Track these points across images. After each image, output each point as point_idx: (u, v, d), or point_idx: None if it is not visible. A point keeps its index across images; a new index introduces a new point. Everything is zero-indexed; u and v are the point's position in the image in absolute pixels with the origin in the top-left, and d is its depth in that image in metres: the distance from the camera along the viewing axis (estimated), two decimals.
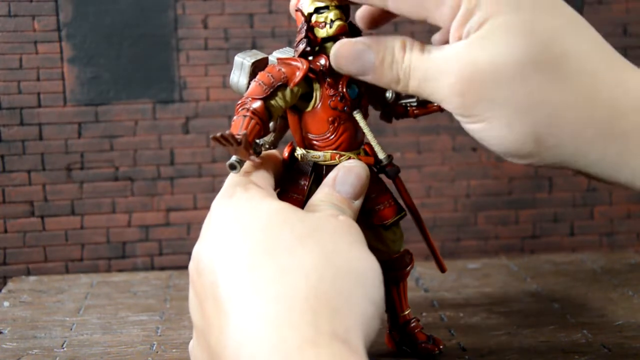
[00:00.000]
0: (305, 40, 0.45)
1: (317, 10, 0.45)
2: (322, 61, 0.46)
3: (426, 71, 0.41)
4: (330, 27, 0.45)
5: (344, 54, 0.44)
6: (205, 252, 0.38)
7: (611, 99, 0.38)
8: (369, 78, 0.44)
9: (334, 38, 0.45)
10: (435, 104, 0.49)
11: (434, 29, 0.44)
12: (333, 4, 0.45)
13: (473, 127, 0.40)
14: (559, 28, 0.39)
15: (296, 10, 0.46)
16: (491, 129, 0.39)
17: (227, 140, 0.40)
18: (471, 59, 0.38)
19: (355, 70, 0.44)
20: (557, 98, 0.38)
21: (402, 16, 0.42)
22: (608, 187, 0.80)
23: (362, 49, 0.43)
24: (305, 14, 0.45)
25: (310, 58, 0.46)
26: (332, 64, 0.45)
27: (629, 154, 0.38)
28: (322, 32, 0.45)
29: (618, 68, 0.39)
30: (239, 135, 0.40)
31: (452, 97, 0.39)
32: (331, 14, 0.45)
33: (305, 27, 0.45)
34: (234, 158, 0.42)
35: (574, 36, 0.39)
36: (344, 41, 0.44)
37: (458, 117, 0.41)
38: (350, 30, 0.46)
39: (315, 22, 0.45)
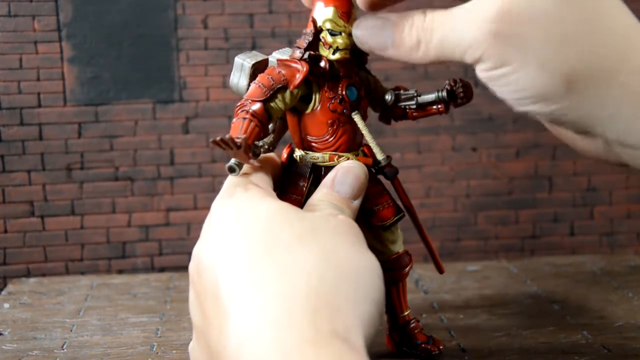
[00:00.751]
0: (302, 51, 0.45)
1: (330, 32, 0.45)
2: (322, 64, 0.46)
3: (453, 22, 0.39)
4: (334, 53, 0.45)
5: (364, 29, 0.43)
6: (206, 252, 0.38)
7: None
8: (389, 52, 0.43)
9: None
10: (435, 107, 0.49)
11: None
12: (347, 29, 0.45)
13: (500, 73, 0.39)
14: None
15: (312, 19, 0.46)
16: (522, 71, 0.38)
17: (226, 144, 0.40)
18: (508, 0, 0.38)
19: (376, 45, 0.43)
20: (591, 44, 0.37)
21: None
22: (608, 187, 0.80)
23: (381, 22, 0.43)
24: (318, 26, 0.45)
25: (307, 58, 0.46)
26: (355, 40, 0.45)
27: None
28: (325, 51, 0.46)
29: None
30: (238, 139, 0.40)
31: (484, 39, 0.38)
32: (340, 40, 0.45)
33: (310, 40, 0.45)
34: (233, 161, 0.42)
35: None
36: (365, 17, 0.44)
37: (482, 66, 0.39)
38: (352, 55, 0.46)
39: (324, 39, 0.45)
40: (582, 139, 0.43)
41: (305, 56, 0.45)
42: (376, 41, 0.43)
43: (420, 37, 0.41)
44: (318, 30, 0.45)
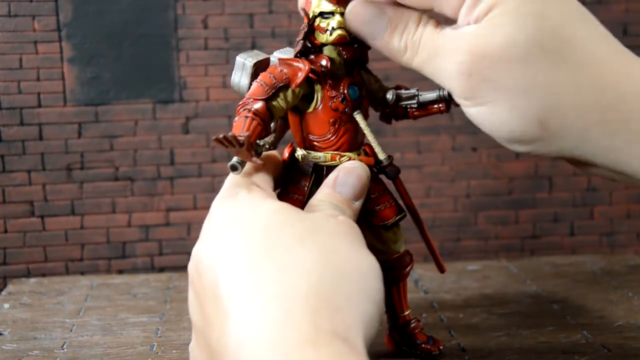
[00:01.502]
0: (302, 42, 0.45)
1: (322, 15, 0.45)
2: (324, 62, 0.46)
3: (435, 48, 0.41)
4: (331, 34, 0.45)
5: (358, 13, 0.44)
6: (206, 252, 0.38)
7: (617, 84, 0.38)
8: (376, 43, 0.43)
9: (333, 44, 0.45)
10: (436, 106, 0.49)
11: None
12: (339, 10, 0.45)
13: (476, 111, 0.40)
14: (567, 14, 0.39)
15: (301, 10, 0.46)
16: (495, 112, 0.39)
17: (229, 142, 0.40)
18: (481, 39, 0.39)
19: (366, 32, 0.44)
20: (563, 82, 0.38)
21: (410, 6, 0.42)
22: (608, 187, 0.80)
23: (377, 12, 0.43)
24: (310, 15, 0.45)
25: (312, 57, 0.46)
26: (345, 22, 0.45)
27: (636, 141, 0.38)
28: (322, 37, 0.45)
29: (623, 56, 0.40)
30: (241, 136, 0.40)
31: (459, 76, 0.39)
32: (334, 22, 0.45)
33: (306, 30, 0.46)
34: (235, 159, 0.42)
35: (582, 23, 0.40)
36: (355, 5, 0.44)
37: (460, 100, 0.40)
38: (352, 38, 0.46)
39: (318, 26, 0.45)
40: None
41: (299, 49, 0.46)
42: (368, 29, 0.43)
43: (408, 45, 0.42)
44: (311, 19, 0.45)
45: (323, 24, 0.45)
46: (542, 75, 0.38)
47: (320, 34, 0.46)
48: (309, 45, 0.46)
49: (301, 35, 0.46)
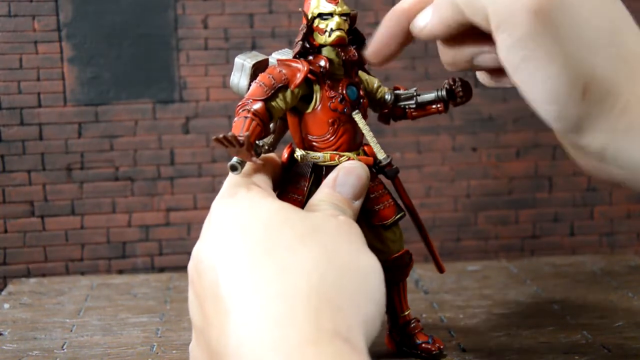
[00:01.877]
0: (300, 43, 0.46)
1: (321, 16, 0.45)
2: (322, 63, 0.46)
3: None
4: (329, 35, 0.45)
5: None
6: (206, 252, 0.38)
7: None
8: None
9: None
10: (434, 106, 0.49)
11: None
12: (337, 11, 0.45)
13: (521, 54, 0.37)
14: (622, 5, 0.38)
15: (301, 11, 0.47)
16: (543, 62, 0.36)
17: (229, 142, 0.40)
18: None
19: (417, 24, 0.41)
20: (616, 50, 0.37)
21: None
22: (608, 187, 0.80)
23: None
24: (309, 16, 0.46)
25: (311, 58, 0.46)
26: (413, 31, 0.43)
27: None
28: (320, 39, 0.46)
29: None
30: (241, 136, 0.40)
31: (522, 10, 0.36)
32: (332, 23, 0.45)
33: (305, 31, 0.46)
34: (235, 159, 0.42)
35: (629, 16, 0.39)
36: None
37: (504, 38, 0.37)
38: (354, 38, 0.46)
39: (317, 27, 0.45)
40: (580, 153, 0.42)
41: (297, 50, 0.46)
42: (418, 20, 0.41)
43: None
44: (309, 20, 0.46)
45: (322, 25, 0.45)
46: (600, 33, 0.37)
47: (319, 35, 0.46)
48: (308, 46, 0.46)
49: (300, 36, 0.46)
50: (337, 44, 0.46)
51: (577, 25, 0.37)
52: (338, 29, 0.45)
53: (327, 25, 0.45)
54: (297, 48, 0.46)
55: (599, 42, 0.37)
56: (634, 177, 0.39)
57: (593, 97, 0.37)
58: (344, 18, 0.45)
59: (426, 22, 0.41)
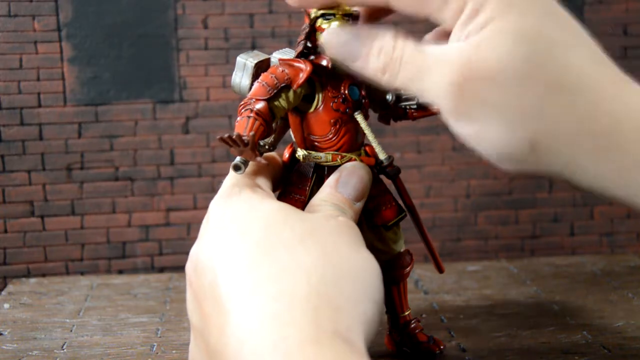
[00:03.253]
0: (303, 43, 0.45)
1: (323, 16, 0.45)
2: (324, 62, 0.46)
3: (420, 65, 0.39)
4: None
5: (332, 37, 0.42)
6: (204, 252, 0.38)
7: (611, 112, 0.38)
8: (355, 66, 0.42)
9: None
10: (435, 107, 0.49)
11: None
12: (340, 12, 0.45)
13: (465, 130, 0.39)
14: (565, 38, 0.38)
15: (303, 11, 0.46)
16: (485, 132, 0.38)
17: (234, 142, 0.40)
18: (473, 58, 0.37)
19: (343, 55, 0.42)
20: (556, 107, 0.37)
21: (403, 14, 0.42)
22: None
23: (351, 34, 0.42)
24: (312, 16, 0.45)
25: (313, 57, 0.46)
26: (323, 44, 0.44)
27: (627, 170, 0.38)
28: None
29: (619, 83, 0.39)
30: (245, 136, 0.40)
31: (449, 96, 0.38)
32: (335, 23, 0.45)
33: (307, 30, 0.46)
34: (238, 159, 0.42)
35: (580, 48, 0.39)
36: (331, 30, 0.43)
37: (449, 119, 0.39)
38: None
39: (319, 27, 0.45)
40: None
41: (300, 49, 0.45)
42: (344, 53, 0.42)
43: (387, 64, 0.40)
44: (313, 21, 0.45)
45: (324, 25, 0.45)
46: (535, 98, 0.37)
47: (321, 35, 0.46)
48: (310, 45, 0.46)
49: (303, 36, 0.46)
50: None
51: (505, 96, 0.37)
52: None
53: (329, 26, 0.45)
54: (300, 47, 0.46)
55: (535, 103, 0.37)
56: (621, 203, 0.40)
57: (542, 149, 0.38)
58: (347, 18, 0.45)
59: None
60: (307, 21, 0.46)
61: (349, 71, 0.43)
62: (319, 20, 0.45)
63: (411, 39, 0.41)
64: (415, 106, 0.49)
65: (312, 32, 0.46)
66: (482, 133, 0.38)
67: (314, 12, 0.46)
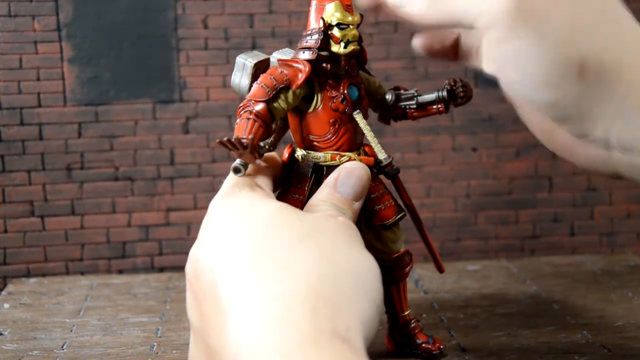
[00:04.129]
0: (315, 51, 0.46)
1: (339, 25, 0.45)
2: (324, 63, 0.46)
3: None
4: (345, 47, 0.46)
5: None
6: (204, 252, 0.38)
7: None
8: (404, 10, 0.40)
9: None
10: (435, 107, 0.49)
11: None
12: (355, 21, 0.46)
13: (511, 46, 0.37)
14: None
15: (317, 12, 0.46)
16: (535, 48, 0.36)
17: (233, 145, 0.40)
18: None
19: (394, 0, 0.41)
20: (611, 31, 0.37)
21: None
22: (608, 187, 0.80)
23: None
24: (327, 22, 0.46)
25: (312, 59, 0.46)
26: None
27: None
28: (334, 47, 0.46)
29: None
30: (245, 139, 0.40)
31: (505, 3, 0.36)
32: (350, 35, 0.45)
33: (321, 37, 0.46)
34: (238, 161, 0.42)
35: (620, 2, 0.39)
36: None
37: (497, 33, 0.37)
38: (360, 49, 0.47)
39: (332, 34, 0.46)
40: (580, 145, 0.42)
41: (311, 56, 0.45)
42: None
43: None
44: (327, 28, 0.46)
45: (339, 34, 0.45)
46: (590, 15, 0.37)
47: (334, 44, 0.46)
48: (326, 54, 0.46)
49: (315, 41, 0.46)
50: (349, 55, 0.46)
51: (562, 10, 0.37)
52: (354, 40, 0.45)
53: (344, 36, 0.45)
54: (310, 55, 0.46)
55: (590, 22, 0.37)
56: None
57: (592, 77, 0.37)
58: (357, 27, 0.46)
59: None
60: (309, 27, 0.46)
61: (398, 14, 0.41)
62: (334, 29, 0.46)
63: None
64: (414, 106, 0.49)
65: (326, 40, 0.46)
66: (531, 49, 0.37)
67: (329, 20, 0.46)
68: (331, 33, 0.46)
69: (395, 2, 0.42)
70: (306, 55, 0.46)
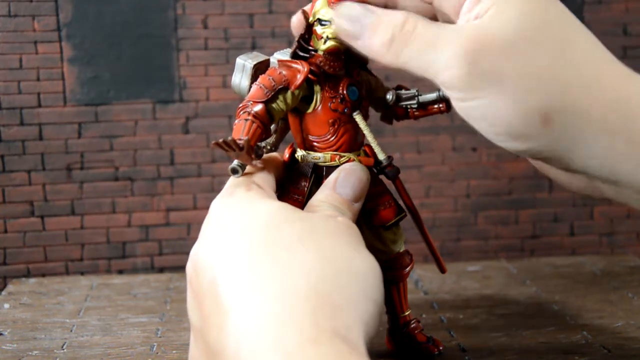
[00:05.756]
0: (296, 43, 0.46)
1: (320, 21, 0.45)
2: (318, 60, 0.46)
3: (431, 37, 0.39)
4: (324, 43, 0.45)
5: (345, 9, 0.43)
6: (204, 252, 0.38)
7: (617, 85, 0.38)
8: (358, 43, 0.42)
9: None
10: (436, 106, 0.49)
11: None
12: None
13: (473, 105, 0.38)
14: (568, 16, 0.39)
15: (301, 12, 0.47)
16: (494, 106, 0.38)
17: (228, 146, 0.40)
18: (486, 29, 0.38)
19: (349, 29, 0.42)
20: (567, 75, 0.37)
21: (407, 7, 0.42)
22: None
23: (364, 11, 0.42)
24: (310, 19, 0.46)
25: (310, 58, 0.46)
26: (333, 23, 0.44)
27: (635, 143, 0.38)
28: (317, 44, 0.46)
29: (617, 64, 0.39)
30: (240, 140, 0.40)
31: (458, 66, 0.38)
32: (329, 31, 0.45)
33: (302, 32, 0.46)
34: (235, 162, 0.42)
35: (579, 28, 0.39)
36: (346, 3, 0.43)
37: (455, 93, 0.39)
38: (344, 51, 0.46)
39: (315, 31, 0.46)
40: (565, 174, 0.43)
41: (292, 51, 0.46)
42: (351, 26, 0.42)
43: (395, 36, 0.40)
44: (310, 23, 0.46)
45: (319, 30, 0.45)
46: (546, 64, 0.37)
47: (316, 40, 0.46)
48: (305, 44, 0.46)
49: (297, 36, 0.46)
50: (330, 52, 0.46)
51: (514, 64, 0.38)
52: (333, 37, 0.45)
53: (323, 32, 0.45)
54: (295, 45, 0.46)
55: (545, 68, 0.38)
56: (623, 190, 0.40)
57: (558, 124, 0.38)
58: None
59: None
60: (305, 23, 0.46)
61: (351, 49, 0.43)
62: (316, 24, 0.46)
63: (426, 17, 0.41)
64: (415, 106, 0.49)
65: (309, 34, 0.46)
66: (492, 106, 0.38)
67: (312, 15, 0.46)
68: (314, 29, 0.46)
69: (347, 32, 0.42)
70: (294, 46, 0.46)
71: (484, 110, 0.38)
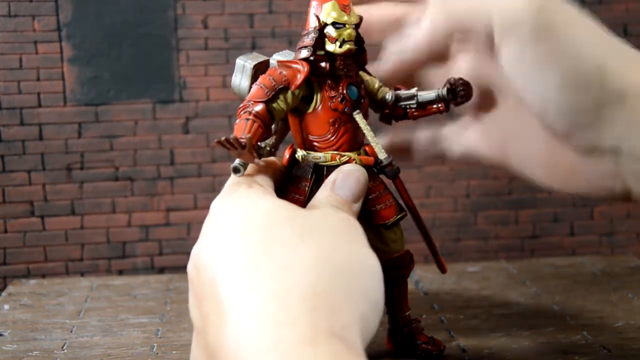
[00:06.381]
0: (311, 50, 0.46)
1: (334, 24, 0.45)
2: (323, 63, 0.46)
3: None
4: (340, 46, 0.45)
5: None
6: (205, 251, 0.38)
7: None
8: None
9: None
10: (435, 106, 0.49)
11: None
12: (351, 21, 0.46)
13: (534, 51, 0.37)
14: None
15: (315, 12, 0.46)
16: (557, 55, 0.37)
17: (231, 144, 0.40)
18: None
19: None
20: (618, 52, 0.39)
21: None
22: None
23: None
24: (322, 21, 0.46)
25: (311, 58, 0.46)
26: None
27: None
28: (330, 47, 0.46)
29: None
30: (242, 139, 0.40)
31: (529, 10, 0.37)
32: (345, 34, 0.45)
33: (316, 36, 0.46)
34: (237, 161, 0.42)
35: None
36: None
37: (511, 39, 0.37)
38: (356, 41, 0.47)
39: (328, 34, 0.46)
40: (585, 163, 0.42)
41: (307, 54, 0.46)
42: None
43: None
44: (322, 27, 0.46)
45: (334, 33, 0.45)
46: (599, 38, 0.39)
47: (329, 43, 0.46)
48: (322, 53, 0.46)
49: (310, 40, 0.46)
50: (345, 54, 0.46)
51: (578, 22, 0.37)
52: (350, 40, 0.45)
53: (339, 35, 0.45)
54: (307, 53, 0.46)
55: (600, 36, 0.37)
56: None
57: (610, 86, 0.37)
58: (354, 27, 0.46)
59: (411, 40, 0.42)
60: (307, 26, 0.46)
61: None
62: (329, 28, 0.46)
63: None
64: (415, 106, 0.49)
65: (322, 37, 0.46)
66: (554, 57, 0.37)
67: (324, 18, 0.46)
68: (327, 32, 0.46)
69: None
70: (304, 53, 0.46)
71: (544, 58, 0.37)
